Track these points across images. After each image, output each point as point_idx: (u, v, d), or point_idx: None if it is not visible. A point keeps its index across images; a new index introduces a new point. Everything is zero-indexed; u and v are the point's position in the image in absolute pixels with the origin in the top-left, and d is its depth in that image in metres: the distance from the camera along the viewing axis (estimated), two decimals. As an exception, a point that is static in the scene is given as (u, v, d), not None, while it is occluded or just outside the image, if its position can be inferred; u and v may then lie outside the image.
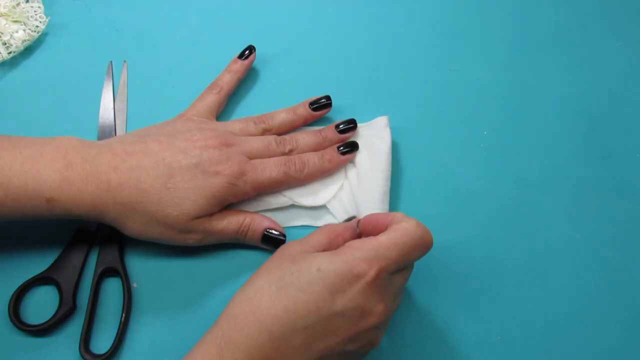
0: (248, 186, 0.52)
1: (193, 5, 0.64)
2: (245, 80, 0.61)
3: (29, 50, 0.61)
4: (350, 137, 0.58)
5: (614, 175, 0.60)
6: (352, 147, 0.56)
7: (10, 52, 0.60)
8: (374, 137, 0.57)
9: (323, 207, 0.56)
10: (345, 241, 0.48)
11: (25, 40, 0.60)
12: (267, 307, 0.43)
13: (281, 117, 0.57)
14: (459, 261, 0.56)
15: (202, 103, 0.58)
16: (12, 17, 0.60)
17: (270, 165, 0.53)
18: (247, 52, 0.60)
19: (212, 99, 0.58)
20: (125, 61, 0.61)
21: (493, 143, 0.60)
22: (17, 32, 0.60)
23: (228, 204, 0.53)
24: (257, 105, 0.60)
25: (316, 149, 0.56)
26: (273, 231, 0.54)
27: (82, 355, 0.51)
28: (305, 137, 0.56)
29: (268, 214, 0.56)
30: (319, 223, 0.56)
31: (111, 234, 0.55)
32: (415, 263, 0.53)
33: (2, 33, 0.60)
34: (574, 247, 0.57)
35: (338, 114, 0.60)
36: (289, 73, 0.62)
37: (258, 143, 0.54)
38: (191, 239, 0.52)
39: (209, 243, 0.53)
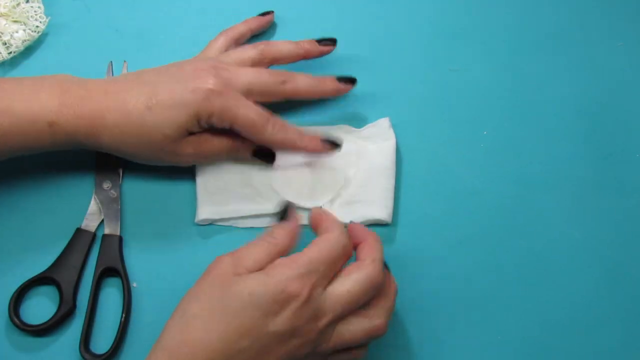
0: (231, 101, 0.51)
1: (193, 5, 0.64)
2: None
3: (29, 50, 0.61)
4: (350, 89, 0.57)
5: (614, 175, 0.59)
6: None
7: (10, 52, 0.60)
8: (380, 138, 0.58)
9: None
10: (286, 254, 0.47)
11: (25, 40, 0.60)
12: (200, 338, 0.43)
13: (283, 46, 0.57)
14: (459, 260, 0.56)
15: (209, 47, 0.57)
16: (12, 17, 0.60)
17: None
18: (266, 13, 0.61)
19: (220, 41, 0.57)
20: (125, 61, 0.60)
21: (493, 143, 0.60)
22: (17, 32, 0.60)
23: (212, 123, 0.51)
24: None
25: (313, 93, 0.56)
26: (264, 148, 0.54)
27: (82, 355, 0.51)
28: (303, 77, 0.56)
29: (266, 217, 0.56)
30: None
31: (111, 233, 0.55)
32: (415, 263, 0.53)
33: (2, 33, 0.60)
34: (573, 246, 0.57)
35: (338, 114, 0.61)
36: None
37: (250, 71, 0.53)
38: (184, 160, 0.53)
39: (205, 163, 0.55)
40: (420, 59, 0.63)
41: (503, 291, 0.55)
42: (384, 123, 0.59)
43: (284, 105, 0.59)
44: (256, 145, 0.54)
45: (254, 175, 0.57)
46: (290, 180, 0.57)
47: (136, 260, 0.55)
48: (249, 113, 0.52)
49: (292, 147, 0.54)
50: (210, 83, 0.51)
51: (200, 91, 0.50)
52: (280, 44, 0.57)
